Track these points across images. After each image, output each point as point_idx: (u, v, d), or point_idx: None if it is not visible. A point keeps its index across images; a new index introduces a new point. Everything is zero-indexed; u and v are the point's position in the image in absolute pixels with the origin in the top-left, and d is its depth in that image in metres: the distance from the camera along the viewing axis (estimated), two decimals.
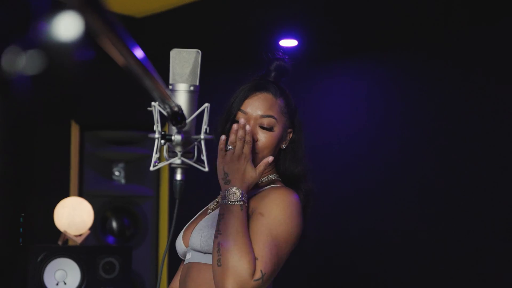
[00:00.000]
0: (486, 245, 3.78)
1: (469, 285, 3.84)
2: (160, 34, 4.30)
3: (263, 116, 2.16)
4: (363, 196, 4.35)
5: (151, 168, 1.53)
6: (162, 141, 1.50)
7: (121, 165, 4.86)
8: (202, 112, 1.57)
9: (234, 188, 2.02)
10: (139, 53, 1.15)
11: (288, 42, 4.33)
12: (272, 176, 2.22)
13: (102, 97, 4.71)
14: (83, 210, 3.36)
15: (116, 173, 4.86)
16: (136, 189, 4.77)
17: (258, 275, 1.95)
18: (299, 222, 2.07)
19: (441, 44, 4.11)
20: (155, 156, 1.54)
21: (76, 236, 3.35)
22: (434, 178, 4.06)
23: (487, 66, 3.91)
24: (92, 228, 4.58)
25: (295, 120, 2.24)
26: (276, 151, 2.20)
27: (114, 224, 4.79)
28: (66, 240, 3.39)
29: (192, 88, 1.55)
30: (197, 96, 1.57)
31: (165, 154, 1.55)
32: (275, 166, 2.24)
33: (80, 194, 4.70)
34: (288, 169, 2.22)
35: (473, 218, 3.86)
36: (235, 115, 2.19)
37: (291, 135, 2.23)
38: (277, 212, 2.05)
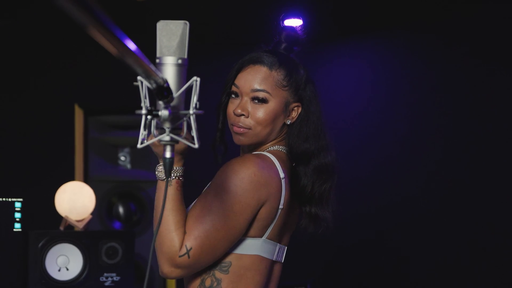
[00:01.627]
0: None
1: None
2: (161, 17, 4.23)
3: (253, 90, 2.07)
4: (367, 178, 4.29)
5: (139, 146, 1.46)
6: (149, 117, 1.43)
7: (126, 150, 4.82)
8: (192, 87, 1.50)
9: (160, 164, 1.96)
10: (116, 30, 1.09)
11: (293, 22, 4.25)
12: (272, 148, 2.12)
13: (105, 82, 4.66)
14: (84, 194, 3.30)
15: (122, 158, 4.81)
16: (142, 174, 4.73)
17: (183, 250, 1.89)
18: (251, 193, 1.94)
19: (447, 23, 4.03)
20: (142, 133, 1.47)
21: (77, 221, 3.29)
22: (440, 158, 3.99)
23: (494, 46, 3.84)
24: (98, 214, 4.55)
25: (303, 94, 2.12)
26: (278, 127, 2.10)
27: (120, 210, 4.75)
28: (69, 225, 3.34)
29: (180, 61, 1.48)
30: (186, 69, 1.49)
31: (153, 131, 1.48)
32: (283, 138, 2.14)
33: (85, 179, 4.67)
34: (293, 145, 2.11)
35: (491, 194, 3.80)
36: (230, 88, 2.12)
37: (299, 109, 2.12)
38: (220, 182, 1.96)
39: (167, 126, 1.46)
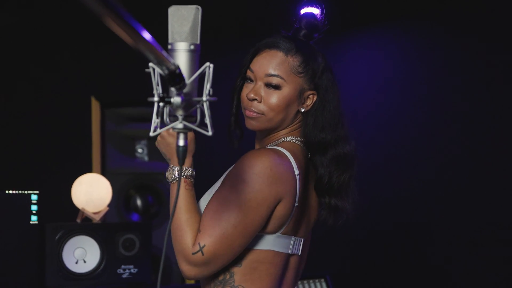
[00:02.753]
0: None
1: None
2: (173, 2, 4.20)
3: (267, 75, 2.04)
4: (383, 168, 4.25)
5: (151, 134, 1.43)
6: (161, 104, 1.40)
7: (143, 142, 4.81)
8: (205, 74, 1.47)
9: (171, 166, 1.97)
10: (126, 15, 1.06)
11: (309, 10, 4.21)
12: (286, 139, 2.08)
13: (121, 73, 4.64)
14: (101, 186, 3.28)
15: (139, 150, 4.80)
16: (160, 166, 4.71)
17: (196, 248, 1.86)
18: (269, 188, 1.90)
19: (468, 14, 3.97)
20: (155, 121, 1.44)
21: (94, 213, 3.28)
22: (458, 149, 3.94)
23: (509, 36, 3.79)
24: (115, 207, 4.54)
25: (319, 82, 2.07)
26: (291, 114, 2.07)
27: (138, 202, 4.74)
28: (86, 218, 3.32)
29: (192, 47, 1.45)
30: (199, 55, 1.46)
31: (166, 118, 1.45)
32: (298, 127, 2.10)
33: (103, 172, 4.66)
34: (309, 135, 2.07)
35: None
36: (245, 72, 2.09)
37: (314, 97, 2.07)
38: (236, 176, 1.92)
39: (180, 113, 1.43)
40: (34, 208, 3.06)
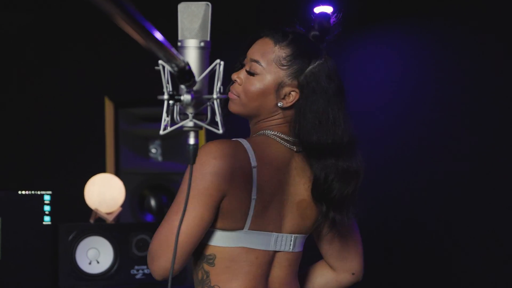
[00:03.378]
0: None
1: None
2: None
3: (250, 60, 2.03)
4: (394, 165, 4.21)
5: (161, 132, 1.41)
6: (171, 102, 1.38)
7: (157, 142, 4.78)
8: (216, 71, 1.45)
9: None
10: (137, 14, 1.05)
11: (323, 9, 4.18)
12: (265, 132, 2.04)
13: (135, 73, 4.62)
14: (113, 186, 3.27)
15: (153, 150, 4.78)
16: (174, 166, 4.69)
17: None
18: (201, 181, 1.85)
19: (481, 10, 3.92)
20: (165, 119, 1.42)
21: (107, 213, 3.26)
22: (472, 144, 3.90)
23: None
24: (129, 207, 4.52)
25: (304, 82, 2.00)
26: (268, 105, 2.02)
27: (152, 202, 4.72)
28: (100, 218, 3.31)
29: (202, 44, 1.43)
30: (209, 52, 1.44)
31: (176, 116, 1.44)
32: (283, 123, 2.04)
33: (117, 172, 4.65)
34: (297, 134, 2.00)
35: None
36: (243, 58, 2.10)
37: (297, 96, 2.01)
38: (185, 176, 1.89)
39: (190, 111, 1.41)
40: (47, 208, 3.05)
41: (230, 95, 2.06)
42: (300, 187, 2.04)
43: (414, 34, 4.24)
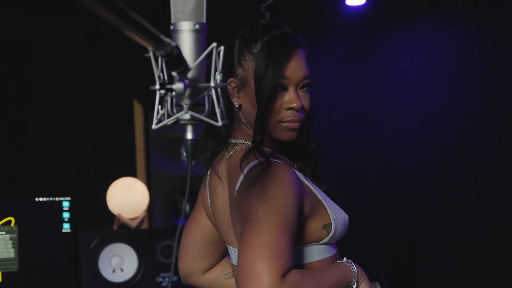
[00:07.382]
0: None
1: None
2: None
3: (307, 77, 1.81)
4: (431, 161, 4.04)
5: (153, 126, 1.26)
6: (162, 92, 1.23)
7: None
8: (214, 57, 1.29)
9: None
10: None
11: (355, 1, 4.02)
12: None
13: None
14: (136, 191, 3.13)
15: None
16: (205, 169, 4.56)
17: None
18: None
19: None
20: (159, 112, 1.28)
21: (130, 219, 3.13)
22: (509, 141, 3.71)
23: None
24: (162, 212, 4.40)
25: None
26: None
27: (186, 207, 4.60)
28: (123, 224, 3.18)
29: (197, 26, 1.27)
30: (205, 36, 1.28)
31: (169, 108, 1.28)
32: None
33: (148, 177, 4.54)
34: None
35: None
36: (278, 81, 1.78)
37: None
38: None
39: (186, 102, 1.26)
40: (66, 215, 2.92)
41: (293, 125, 1.81)
42: (219, 197, 2.02)
43: (452, 24, 4.05)
